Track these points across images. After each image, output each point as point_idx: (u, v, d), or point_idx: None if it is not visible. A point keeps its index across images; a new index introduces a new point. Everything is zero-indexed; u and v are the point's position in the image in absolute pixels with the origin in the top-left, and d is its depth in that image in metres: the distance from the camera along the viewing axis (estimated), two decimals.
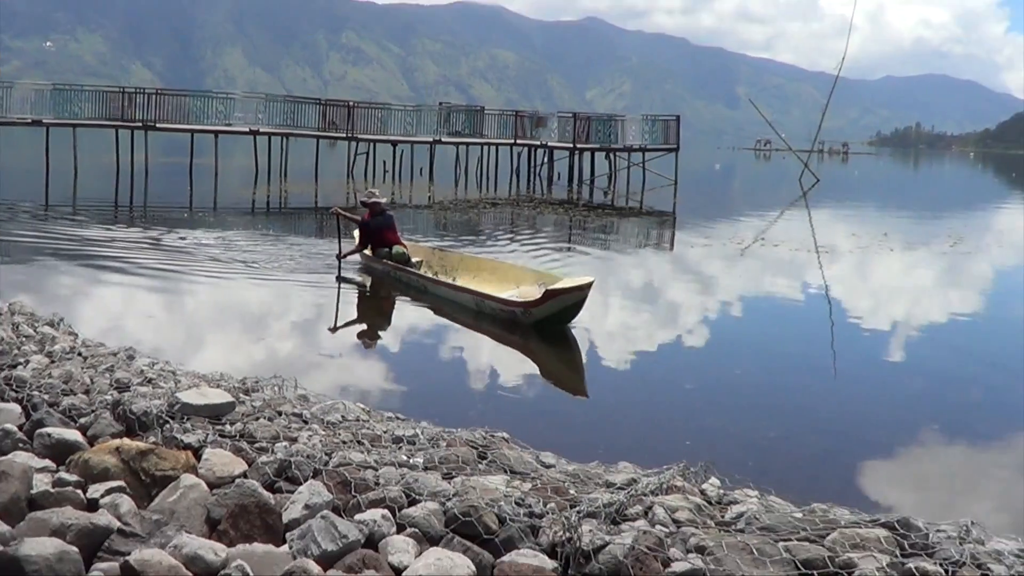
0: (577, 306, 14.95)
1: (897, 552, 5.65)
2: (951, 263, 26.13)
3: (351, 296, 18.45)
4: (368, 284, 19.27)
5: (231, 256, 20.76)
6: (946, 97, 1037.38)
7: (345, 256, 20.06)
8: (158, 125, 45.75)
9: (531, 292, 15.84)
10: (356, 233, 20.88)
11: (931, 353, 15.41)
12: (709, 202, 51.37)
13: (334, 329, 15.42)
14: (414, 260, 19.51)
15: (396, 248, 19.55)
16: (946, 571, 5.45)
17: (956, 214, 46.28)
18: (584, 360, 13.61)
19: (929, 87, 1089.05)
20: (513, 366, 13.19)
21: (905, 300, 20.34)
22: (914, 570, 5.40)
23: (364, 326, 15.94)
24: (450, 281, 17.96)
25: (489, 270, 18.74)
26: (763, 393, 12.23)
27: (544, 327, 14.77)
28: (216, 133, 47.03)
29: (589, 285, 14.86)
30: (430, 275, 18.73)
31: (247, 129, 48.11)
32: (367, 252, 20.07)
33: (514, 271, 18.26)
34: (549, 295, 14.64)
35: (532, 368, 13.10)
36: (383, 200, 20.39)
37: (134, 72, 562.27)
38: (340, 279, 19.18)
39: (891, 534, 5.83)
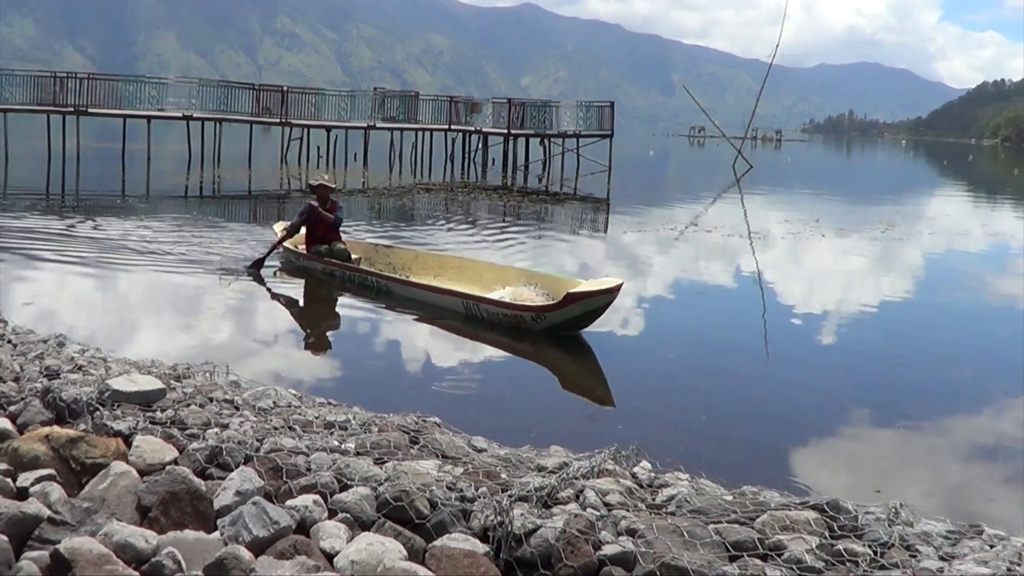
0: (600, 311, 13.71)
1: (826, 534, 5.72)
2: (882, 249, 26.32)
3: (285, 293, 17.51)
4: (302, 287, 17.70)
5: (163, 245, 20.48)
6: (879, 85, 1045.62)
7: (271, 251, 18.36)
8: (90, 110, 45.35)
9: (524, 294, 14.93)
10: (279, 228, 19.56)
11: (862, 337, 15.52)
12: (643, 188, 51.51)
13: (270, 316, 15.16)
14: (353, 258, 17.96)
15: (336, 245, 17.95)
16: (875, 552, 5.52)
17: (887, 201, 46.59)
18: (518, 345, 13.56)
19: (862, 75, 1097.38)
20: (445, 352, 13.15)
21: (837, 285, 20.47)
22: (843, 551, 5.46)
23: (298, 320, 15.60)
24: (427, 282, 16.25)
25: (456, 268, 17.27)
26: (695, 377, 12.30)
27: (554, 334, 13.77)
28: (149, 118, 46.60)
29: (617, 288, 13.58)
30: (399, 275, 17.02)
31: (180, 114, 47.77)
32: (301, 248, 18.34)
33: (492, 270, 16.84)
34: (571, 298, 13.37)
35: (464, 353, 13.04)
36: (333, 185, 18.74)
37: (66, 57, 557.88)
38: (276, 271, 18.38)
39: (820, 516, 5.89)
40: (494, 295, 15.03)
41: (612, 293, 13.51)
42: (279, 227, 19.82)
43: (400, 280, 16.48)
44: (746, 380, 12.32)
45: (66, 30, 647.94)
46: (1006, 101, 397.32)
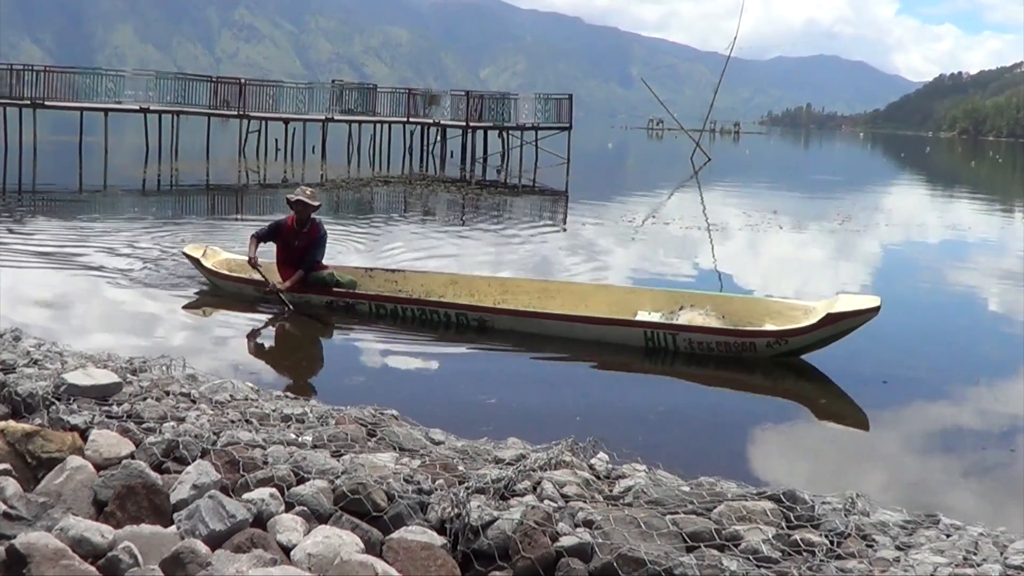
0: (844, 334, 12.26)
1: (783, 524, 5.76)
2: (840, 241, 26.47)
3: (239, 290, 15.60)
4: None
5: (121, 242, 20.18)
6: (837, 78, 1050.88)
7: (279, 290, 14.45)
8: (47, 103, 44.97)
9: (697, 318, 13.15)
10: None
11: None
12: (602, 181, 51.63)
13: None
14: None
15: (339, 275, 14.83)
16: (831, 542, 5.57)
17: (845, 193, 46.83)
18: (471, 339, 13.43)
19: (820, 68, 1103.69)
20: (401, 346, 13.01)
21: (794, 276, 20.56)
22: (800, 541, 5.51)
23: (256, 316, 14.49)
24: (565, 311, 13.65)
25: (539, 293, 14.65)
26: (652, 368, 12.30)
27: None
28: (106, 111, 46.30)
29: (878, 308, 12.07)
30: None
31: (137, 107, 47.58)
32: (278, 281, 14.53)
33: (605, 293, 14.60)
34: (830, 319, 11.93)
35: (420, 347, 12.91)
36: (316, 203, 14.78)
37: (23, 49, 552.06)
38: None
39: (777, 506, 5.94)
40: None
41: (873, 313, 12.08)
42: (193, 250, 15.91)
43: (521, 312, 13.70)
44: (702, 371, 12.34)
45: (23, 22, 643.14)
46: (963, 94, 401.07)
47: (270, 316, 14.22)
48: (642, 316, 13.60)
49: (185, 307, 14.26)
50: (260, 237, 14.96)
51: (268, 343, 13.18)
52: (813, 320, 12.18)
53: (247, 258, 14.84)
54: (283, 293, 14.43)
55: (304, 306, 14.35)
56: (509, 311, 13.74)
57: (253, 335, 13.42)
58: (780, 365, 12.35)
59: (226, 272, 15.40)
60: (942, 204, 45.23)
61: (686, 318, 13.24)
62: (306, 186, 15.36)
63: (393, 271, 15.95)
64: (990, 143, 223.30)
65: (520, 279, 15.78)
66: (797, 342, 12.26)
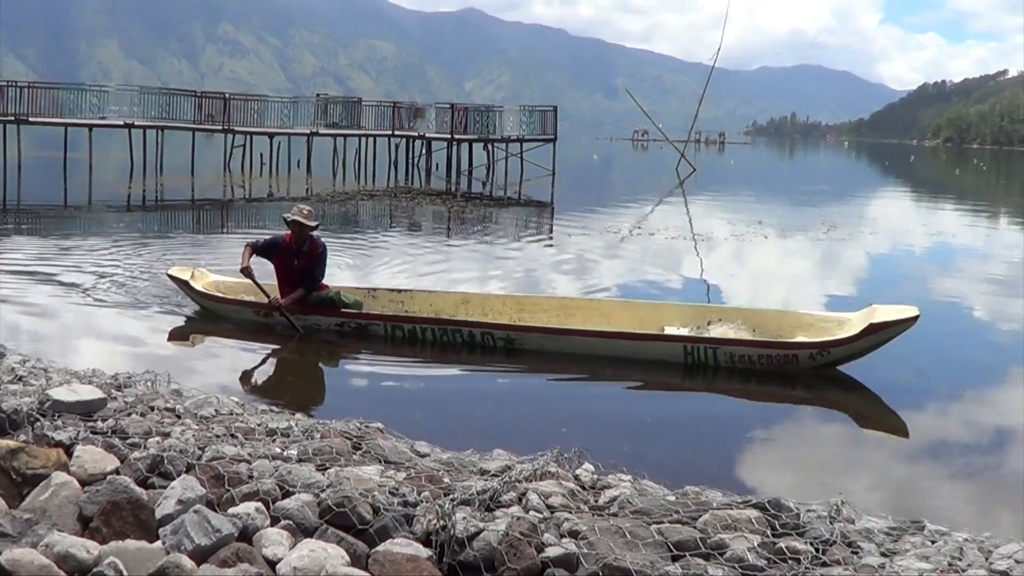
0: (880, 344, 12.16)
1: (768, 532, 5.78)
2: (826, 249, 26.47)
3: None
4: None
5: (109, 257, 20.09)
6: (821, 87, 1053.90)
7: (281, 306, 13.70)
8: (31, 119, 44.95)
9: (728, 332, 13.00)
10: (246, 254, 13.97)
11: None
12: (587, 192, 51.66)
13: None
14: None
15: (342, 294, 13.95)
16: (816, 550, 5.58)
17: (830, 202, 46.87)
18: (456, 352, 13.33)
19: (804, 77, 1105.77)
20: (385, 359, 12.95)
21: (779, 285, 20.56)
22: (785, 549, 5.51)
23: (241, 331, 14.17)
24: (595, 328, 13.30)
25: (557, 311, 14.08)
26: (640, 380, 12.28)
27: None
28: (90, 127, 46.31)
29: (915, 318, 11.90)
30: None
31: (122, 122, 47.48)
32: (276, 297, 13.78)
33: (628, 309, 14.13)
34: (872, 329, 11.84)
35: (405, 359, 12.86)
36: (312, 223, 13.86)
37: (7, 65, 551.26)
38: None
39: (762, 515, 5.95)
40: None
41: (912, 322, 11.93)
42: (179, 272, 15.00)
43: (553, 330, 13.16)
44: (688, 380, 12.33)
45: (7, 38, 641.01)
46: (946, 102, 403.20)
47: (267, 336, 13.68)
48: (671, 332, 13.24)
49: (171, 339, 13.67)
50: (255, 249, 14.00)
51: (254, 360, 12.99)
52: (854, 331, 12.10)
53: (240, 267, 13.83)
54: (288, 313, 13.65)
55: (313, 330, 13.67)
56: (541, 328, 13.17)
57: (240, 352, 13.29)
58: (769, 372, 12.33)
59: (218, 294, 14.60)
60: (927, 212, 45.29)
61: (717, 333, 13.04)
62: (303, 205, 14.22)
63: (399, 291, 15.00)
64: (974, 151, 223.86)
65: (537, 296, 15.18)
66: (839, 352, 12.17)
